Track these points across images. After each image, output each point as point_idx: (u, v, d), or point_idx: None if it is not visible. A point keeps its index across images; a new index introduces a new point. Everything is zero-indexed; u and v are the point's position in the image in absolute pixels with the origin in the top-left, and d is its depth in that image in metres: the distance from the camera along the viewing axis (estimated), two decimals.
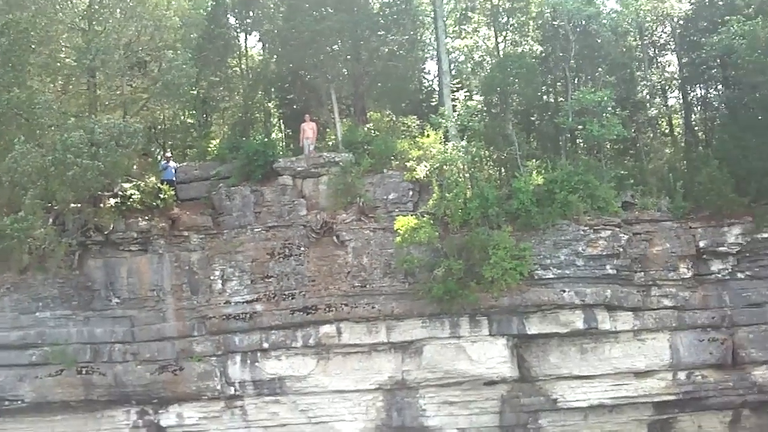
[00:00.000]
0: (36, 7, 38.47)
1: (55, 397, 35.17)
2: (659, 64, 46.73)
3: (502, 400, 35.42)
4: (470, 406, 35.48)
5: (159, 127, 44.32)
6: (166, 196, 36.75)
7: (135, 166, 38.22)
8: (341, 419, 35.43)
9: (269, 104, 46.34)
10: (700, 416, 36.73)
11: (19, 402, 35.15)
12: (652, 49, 46.38)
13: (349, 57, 41.59)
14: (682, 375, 35.82)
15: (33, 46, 37.93)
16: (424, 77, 48.35)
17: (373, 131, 39.82)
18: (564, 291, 34.43)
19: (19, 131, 35.43)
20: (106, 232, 35.86)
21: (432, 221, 34.76)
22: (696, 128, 44.49)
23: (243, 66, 46.44)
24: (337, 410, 35.42)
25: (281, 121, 46.69)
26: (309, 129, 38.77)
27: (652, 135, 44.53)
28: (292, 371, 35.24)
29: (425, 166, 36.46)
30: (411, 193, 36.73)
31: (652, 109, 44.43)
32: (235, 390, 35.51)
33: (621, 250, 35.13)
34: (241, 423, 35.84)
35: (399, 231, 34.44)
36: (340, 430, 35.43)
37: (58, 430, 35.99)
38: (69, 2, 39.65)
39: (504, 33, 43.19)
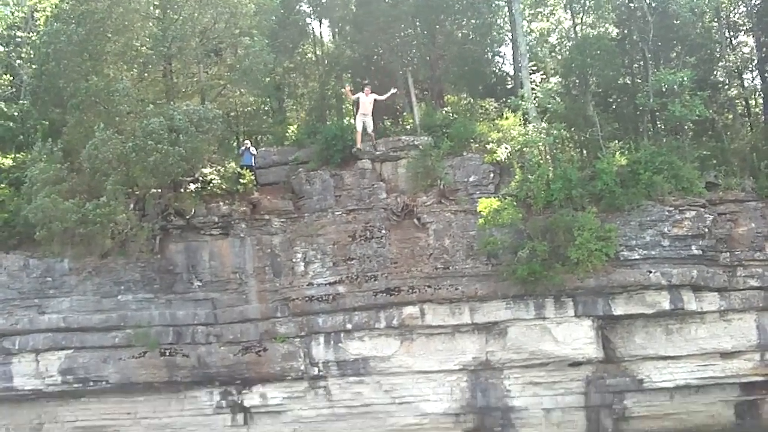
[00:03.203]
0: None
1: (139, 378, 35.50)
2: (735, 45, 46.01)
3: (588, 380, 35.17)
4: (555, 387, 35.29)
5: (234, 113, 44.52)
6: (246, 180, 36.92)
7: (214, 152, 38.35)
8: (426, 399, 35.33)
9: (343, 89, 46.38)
10: None
11: (104, 383, 35.56)
12: (728, 30, 45.69)
13: (424, 42, 41.55)
14: None
15: (109, 35, 38.40)
16: (498, 60, 48.24)
17: (451, 114, 39.79)
18: (650, 272, 34.03)
19: (98, 119, 35.72)
20: (187, 217, 36.07)
21: (515, 203, 34.56)
22: None
23: (317, 52, 46.50)
24: (421, 390, 35.34)
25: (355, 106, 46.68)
26: (368, 102, 37.79)
27: (731, 116, 43.95)
28: (376, 352, 35.29)
29: (506, 148, 36.31)
30: (492, 175, 36.53)
31: (731, 89, 43.81)
32: (319, 370, 35.57)
33: (706, 230, 34.69)
34: (324, 403, 35.89)
35: (482, 213, 34.26)
36: (425, 410, 35.34)
37: (142, 410, 36.41)
38: None
39: (580, 15, 42.99)
